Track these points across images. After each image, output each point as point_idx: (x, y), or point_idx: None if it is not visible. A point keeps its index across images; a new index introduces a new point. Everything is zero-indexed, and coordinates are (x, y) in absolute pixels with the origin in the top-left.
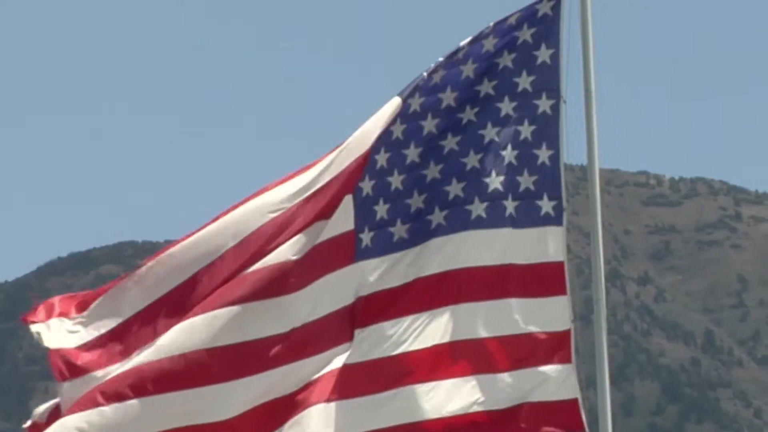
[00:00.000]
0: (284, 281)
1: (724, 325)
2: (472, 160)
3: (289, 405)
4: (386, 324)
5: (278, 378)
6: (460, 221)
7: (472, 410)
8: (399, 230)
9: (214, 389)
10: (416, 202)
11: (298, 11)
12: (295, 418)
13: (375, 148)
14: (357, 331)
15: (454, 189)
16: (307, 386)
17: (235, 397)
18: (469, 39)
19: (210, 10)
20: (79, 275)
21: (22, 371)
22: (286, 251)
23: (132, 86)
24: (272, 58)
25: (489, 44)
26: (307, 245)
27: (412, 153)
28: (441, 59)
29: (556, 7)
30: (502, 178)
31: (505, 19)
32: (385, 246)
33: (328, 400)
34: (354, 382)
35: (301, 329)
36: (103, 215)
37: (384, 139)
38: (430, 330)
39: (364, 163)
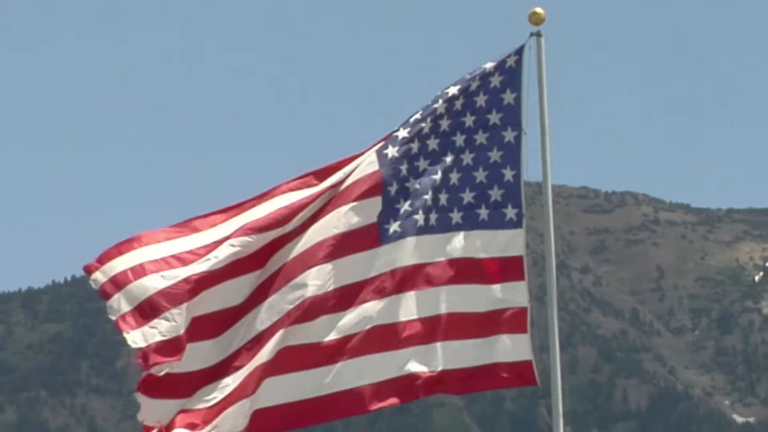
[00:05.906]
0: (314, 256)
1: (646, 304)
2: (454, 177)
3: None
4: (399, 296)
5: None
6: (445, 224)
7: (449, 367)
8: (420, 217)
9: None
10: (428, 198)
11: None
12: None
13: (399, 160)
14: (376, 301)
15: (443, 198)
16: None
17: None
18: (463, 82)
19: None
20: None
21: (110, 339)
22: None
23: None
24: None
25: (474, 85)
26: (334, 230)
27: (423, 163)
28: (446, 94)
29: (519, 61)
30: (474, 192)
31: (485, 68)
32: (411, 229)
33: (348, 357)
34: (373, 342)
35: (324, 293)
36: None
37: (407, 153)
38: (422, 305)
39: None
